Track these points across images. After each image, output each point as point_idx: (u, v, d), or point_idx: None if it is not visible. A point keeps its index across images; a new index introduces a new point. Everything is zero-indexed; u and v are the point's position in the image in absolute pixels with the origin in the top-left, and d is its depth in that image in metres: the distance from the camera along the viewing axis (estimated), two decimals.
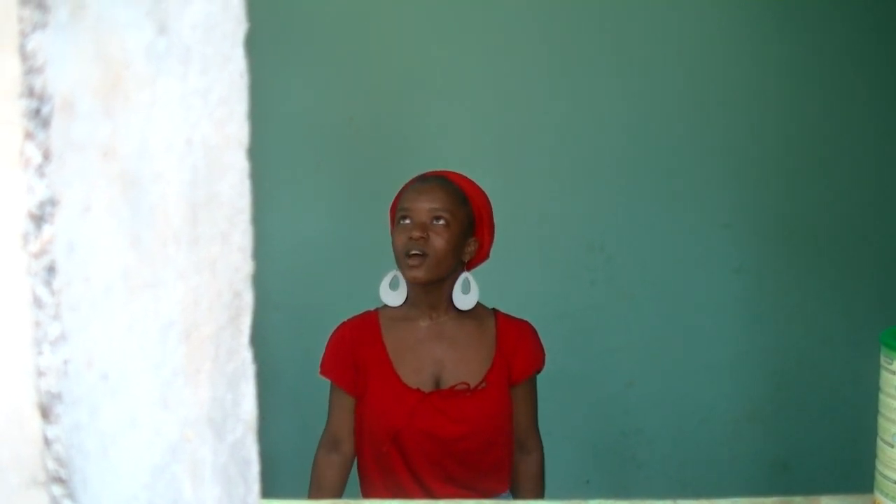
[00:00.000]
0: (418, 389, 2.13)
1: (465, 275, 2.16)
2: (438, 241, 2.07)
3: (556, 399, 3.41)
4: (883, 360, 1.45)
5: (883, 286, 3.42)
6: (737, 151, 3.40)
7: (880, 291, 3.41)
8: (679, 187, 3.42)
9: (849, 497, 1.58)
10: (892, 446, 1.44)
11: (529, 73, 3.38)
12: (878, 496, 1.48)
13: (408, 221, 2.09)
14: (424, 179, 2.17)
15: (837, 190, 3.42)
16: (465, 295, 2.16)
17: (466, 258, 2.16)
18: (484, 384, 2.15)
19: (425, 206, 2.09)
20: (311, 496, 2.23)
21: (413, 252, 2.06)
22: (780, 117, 3.39)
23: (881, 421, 1.47)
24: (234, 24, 0.65)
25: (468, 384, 2.14)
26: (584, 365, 3.46)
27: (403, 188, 2.19)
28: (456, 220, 2.10)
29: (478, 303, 2.22)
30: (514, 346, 2.20)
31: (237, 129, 0.65)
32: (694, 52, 3.36)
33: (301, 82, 3.38)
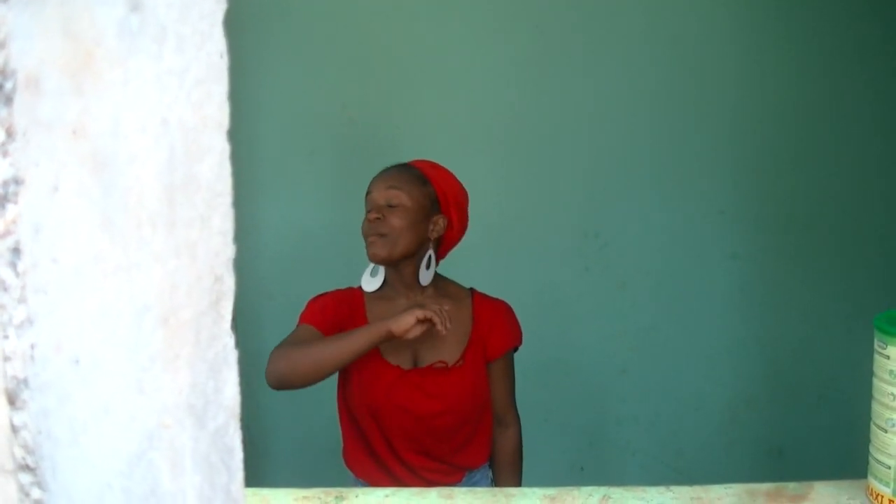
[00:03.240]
0: (398, 367, 2.19)
1: (429, 252, 2.21)
2: (394, 220, 2.14)
3: (551, 386, 3.41)
4: (876, 345, 1.44)
5: (879, 272, 3.42)
6: (732, 138, 3.39)
7: (876, 277, 3.41)
8: (674, 174, 3.41)
9: (842, 483, 1.58)
10: (886, 431, 1.43)
11: (523, 62, 3.36)
12: (871, 481, 1.48)
13: (369, 208, 2.18)
14: (386, 169, 2.25)
15: (833, 176, 3.41)
16: (426, 270, 2.21)
17: (435, 235, 2.22)
18: (461, 362, 2.21)
19: (381, 190, 2.17)
20: (306, 349, 2.09)
21: (372, 233, 2.14)
22: (775, 104, 3.38)
23: (875, 406, 1.46)
24: (212, 3, 0.63)
25: (446, 363, 2.20)
26: (578, 352, 3.45)
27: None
28: (412, 199, 2.17)
29: (453, 282, 2.30)
30: (490, 324, 2.25)
31: (216, 111, 0.63)
32: (689, 40, 3.35)
33: (294, 70, 3.37)
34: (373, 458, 2.23)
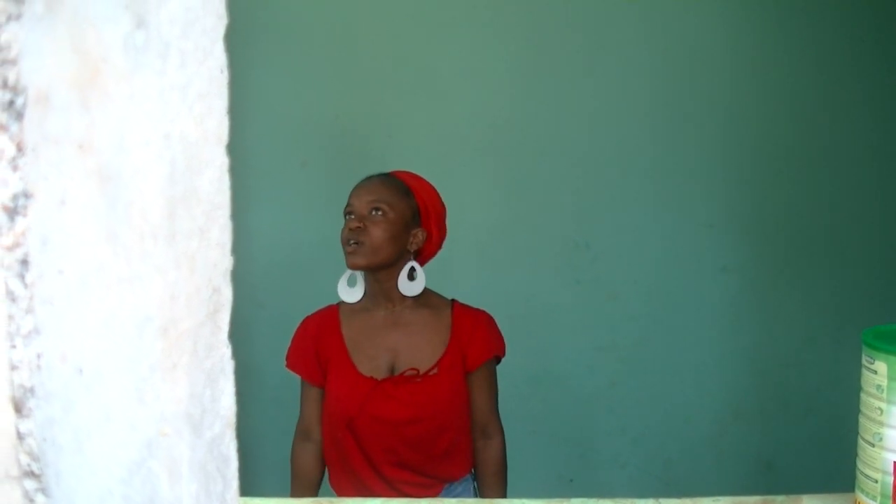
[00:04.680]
0: (371, 377, 2.20)
1: (411, 263, 2.23)
2: (376, 231, 2.16)
3: (541, 397, 3.42)
4: (864, 360, 1.46)
5: (867, 285, 3.43)
6: (722, 151, 3.41)
7: (864, 291, 3.43)
8: (664, 187, 3.42)
9: (830, 496, 1.59)
10: (873, 445, 1.44)
11: (515, 73, 3.38)
12: (859, 495, 1.49)
13: (351, 216, 2.19)
14: (368, 178, 2.27)
15: (822, 189, 3.43)
16: (412, 282, 2.22)
17: (414, 248, 2.24)
18: (435, 370, 2.21)
19: (364, 199, 2.19)
20: (292, 484, 2.31)
21: (352, 241, 2.15)
22: (764, 117, 3.40)
23: (862, 420, 1.47)
24: (214, 19, 0.64)
25: (417, 370, 2.20)
26: (568, 364, 3.46)
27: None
28: (395, 211, 2.18)
29: (434, 293, 2.30)
30: (469, 334, 2.25)
31: (216, 125, 0.64)
32: (679, 53, 3.37)
33: (287, 81, 3.38)
34: (350, 475, 2.23)
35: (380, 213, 2.16)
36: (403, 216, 2.20)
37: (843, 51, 3.36)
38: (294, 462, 2.31)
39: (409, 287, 2.21)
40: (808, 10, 3.35)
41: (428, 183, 2.29)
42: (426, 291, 2.28)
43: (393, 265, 2.20)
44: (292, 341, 2.31)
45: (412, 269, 2.22)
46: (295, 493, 2.28)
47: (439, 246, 2.31)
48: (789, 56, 3.36)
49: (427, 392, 2.19)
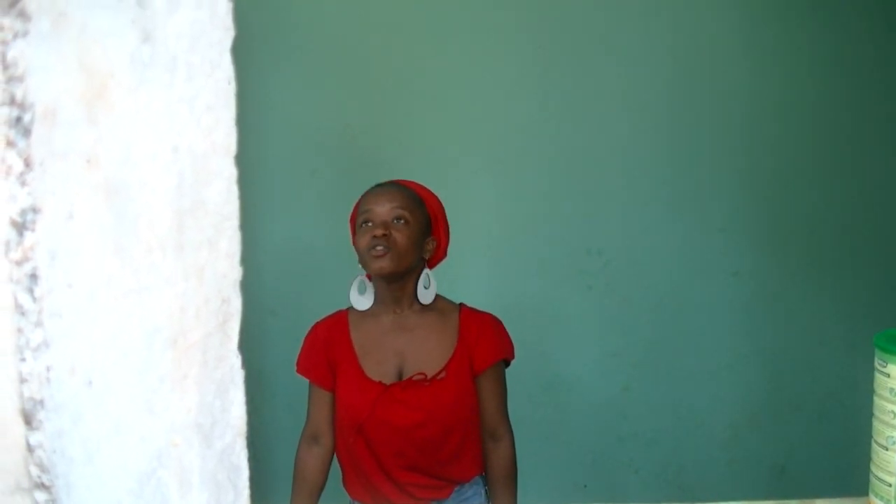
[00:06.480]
0: (380, 382, 2.22)
1: (425, 271, 2.27)
2: (400, 238, 2.18)
3: (553, 403, 3.42)
4: (877, 363, 1.45)
5: (879, 289, 3.42)
6: (733, 156, 3.41)
7: (876, 294, 3.41)
8: (675, 192, 3.42)
9: (843, 500, 1.58)
10: (887, 449, 1.44)
11: (524, 79, 3.38)
12: (872, 499, 1.49)
13: (370, 223, 2.20)
14: (381, 185, 2.29)
15: (833, 193, 3.42)
16: (426, 290, 2.27)
17: (427, 255, 2.27)
18: (443, 374, 2.23)
19: (386, 207, 2.20)
20: (294, 488, 2.33)
21: (378, 247, 2.16)
22: (775, 122, 3.39)
23: (875, 423, 1.47)
24: (221, 32, 0.65)
25: (425, 374, 2.23)
26: (581, 369, 3.46)
27: (361, 197, 2.29)
28: (415, 219, 2.21)
29: (443, 298, 2.33)
30: (476, 337, 2.27)
31: (224, 137, 0.65)
32: (690, 56, 3.36)
33: (297, 90, 3.38)
34: (362, 477, 2.26)
35: (402, 221, 2.18)
36: (421, 225, 2.23)
37: (862, 53, 3.35)
38: (299, 466, 2.32)
39: (424, 294, 2.25)
40: (824, 12, 3.34)
41: (432, 191, 2.32)
42: (434, 296, 2.31)
43: (409, 272, 2.22)
44: (303, 346, 2.33)
45: (427, 276, 2.26)
46: (297, 498, 2.30)
47: (444, 254, 2.35)
48: (804, 61, 3.36)
49: (434, 396, 2.21)
